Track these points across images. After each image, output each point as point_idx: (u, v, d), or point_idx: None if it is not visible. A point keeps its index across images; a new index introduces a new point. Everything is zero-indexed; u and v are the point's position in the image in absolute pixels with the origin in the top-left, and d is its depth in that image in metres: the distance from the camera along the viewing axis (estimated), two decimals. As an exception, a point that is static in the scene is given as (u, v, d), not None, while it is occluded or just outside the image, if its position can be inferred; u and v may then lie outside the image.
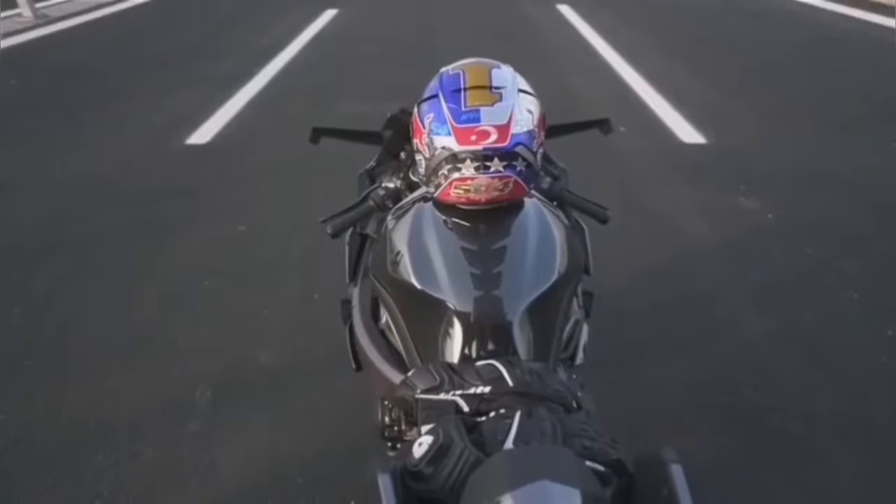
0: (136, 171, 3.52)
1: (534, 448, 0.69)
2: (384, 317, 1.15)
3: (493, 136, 0.95)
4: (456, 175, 0.98)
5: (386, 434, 1.26)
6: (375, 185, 1.35)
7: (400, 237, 1.07)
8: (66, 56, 5.99)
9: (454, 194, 1.02)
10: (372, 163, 1.52)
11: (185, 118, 4.17)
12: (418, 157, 1.07)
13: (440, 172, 1.00)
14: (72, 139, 3.95)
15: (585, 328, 1.21)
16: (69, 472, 1.70)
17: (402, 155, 1.39)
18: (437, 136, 0.99)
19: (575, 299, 1.14)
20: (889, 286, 2.44)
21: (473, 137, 0.95)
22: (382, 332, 1.15)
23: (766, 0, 7.82)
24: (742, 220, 2.96)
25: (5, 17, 7.46)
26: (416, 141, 1.07)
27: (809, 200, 3.10)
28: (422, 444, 0.69)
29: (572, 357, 1.18)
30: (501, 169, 0.97)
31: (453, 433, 0.69)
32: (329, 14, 7.14)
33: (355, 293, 1.32)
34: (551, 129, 1.29)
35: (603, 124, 1.50)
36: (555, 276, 0.99)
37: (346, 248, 1.41)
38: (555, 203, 1.23)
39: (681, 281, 2.49)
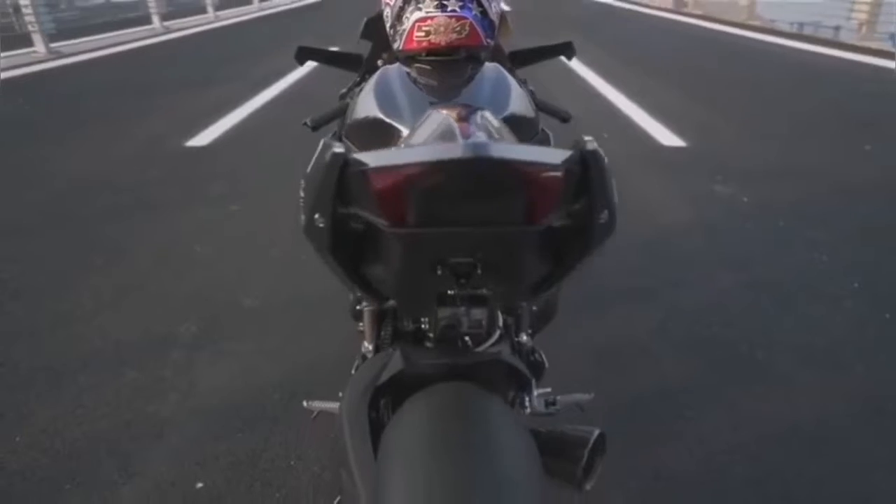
0: (127, 167, 3.66)
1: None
2: None
3: None
4: (418, 14, 1.09)
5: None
6: (351, 84, 1.45)
7: (366, 94, 1.16)
8: (64, 85, 6.33)
9: (416, 38, 1.12)
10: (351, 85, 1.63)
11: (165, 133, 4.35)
12: (386, 10, 1.18)
13: (403, 17, 1.11)
14: (72, 143, 4.12)
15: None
16: (56, 389, 1.75)
17: (380, 63, 1.49)
18: None
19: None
20: (856, 249, 2.52)
21: None
22: None
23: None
24: (719, 203, 3.06)
25: (23, 53, 7.85)
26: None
27: (782, 187, 3.21)
28: None
29: None
30: (457, 9, 1.08)
31: None
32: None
33: None
34: (514, 55, 1.40)
35: (567, 49, 1.61)
36: (508, 111, 1.06)
37: None
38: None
39: (662, 247, 2.58)
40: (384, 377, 0.80)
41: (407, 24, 1.12)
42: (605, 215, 0.60)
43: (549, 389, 1.11)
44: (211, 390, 1.74)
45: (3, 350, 1.92)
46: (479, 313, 0.67)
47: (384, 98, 1.07)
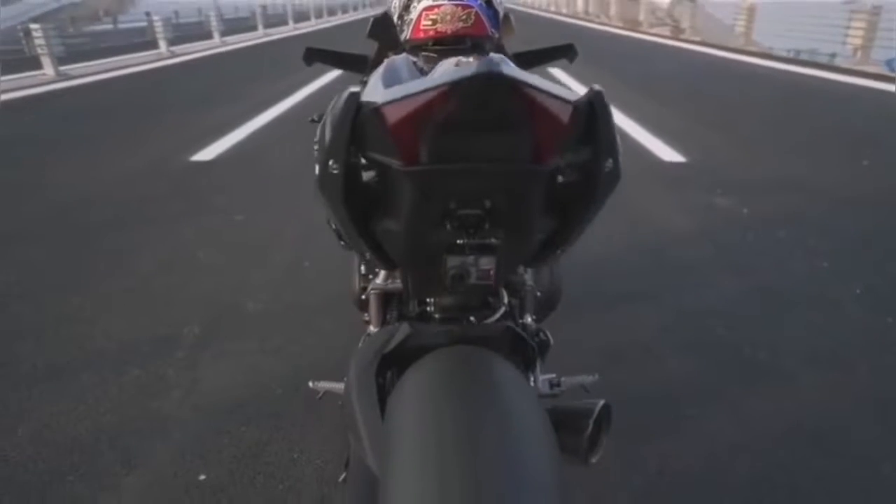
0: (133, 179, 3.70)
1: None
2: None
3: None
4: (425, 2, 1.13)
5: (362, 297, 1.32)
6: (358, 83, 1.49)
7: (373, 83, 1.18)
8: (72, 104, 6.43)
9: (423, 27, 1.15)
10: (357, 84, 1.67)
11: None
12: (394, 1, 1.22)
13: (411, 6, 1.15)
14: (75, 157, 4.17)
15: None
16: (58, 387, 1.75)
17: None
18: None
19: None
20: (857, 258, 2.54)
21: None
22: None
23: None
24: (720, 214, 3.09)
25: (32, 75, 8.02)
26: None
27: (781, 200, 3.24)
28: None
29: None
30: None
31: None
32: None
33: None
34: (518, 57, 1.44)
35: (568, 51, 1.65)
36: None
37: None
38: None
39: (665, 254, 2.60)
40: (391, 345, 0.81)
41: (414, 14, 1.15)
42: (609, 163, 0.62)
43: (553, 375, 1.12)
44: (214, 388, 1.74)
45: (5, 349, 1.93)
46: (487, 262, 0.68)
47: (391, 85, 1.10)
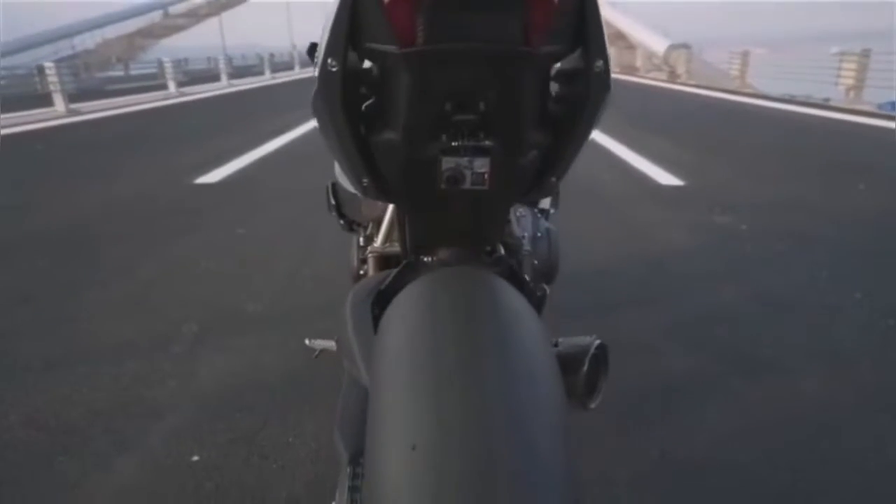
0: (141, 198, 3.75)
1: None
2: None
3: None
4: None
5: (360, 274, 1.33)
6: None
7: None
8: (80, 136, 6.58)
9: None
10: None
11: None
12: None
13: None
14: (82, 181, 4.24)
15: None
16: (54, 378, 1.74)
17: None
18: None
19: None
20: (855, 268, 2.54)
21: None
22: None
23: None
24: (719, 230, 3.11)
25: (43, 112, 8.23)
26: None
27: (779, 218, 3.26)
28: None
29: None
30: None
31: None
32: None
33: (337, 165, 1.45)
34: None
35: None
36: None
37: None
38: None
39: (667, 265, 2.60)
40: (387, 282, 0.82)
41: None
42: (600, 64, 0.64)
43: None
44: (211, 378, 1.72)
45: (1, 345, 1.92)
46: (481, 165, 0.69)
47: None
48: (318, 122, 0.70)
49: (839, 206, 3.48)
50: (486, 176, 0.70)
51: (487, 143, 0.68)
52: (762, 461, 1.37)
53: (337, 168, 1.42)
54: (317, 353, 1.20)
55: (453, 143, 0.67)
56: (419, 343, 0.59)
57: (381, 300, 0.81)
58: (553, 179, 0.79)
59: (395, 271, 0.84)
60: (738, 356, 1.83)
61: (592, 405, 0.84)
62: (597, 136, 6.02)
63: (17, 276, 2.52)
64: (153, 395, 1.64)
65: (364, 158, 0.74)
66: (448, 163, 0.69)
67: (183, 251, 2.79)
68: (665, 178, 4.26)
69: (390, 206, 1.19)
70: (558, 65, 0.69)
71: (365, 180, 0.78)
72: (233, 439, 1.45)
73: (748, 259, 2.66)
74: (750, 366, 1.77)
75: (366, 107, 0.71)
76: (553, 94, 0.72)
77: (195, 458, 1.39)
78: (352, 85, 0.67)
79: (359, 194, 0.95)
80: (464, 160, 0.69)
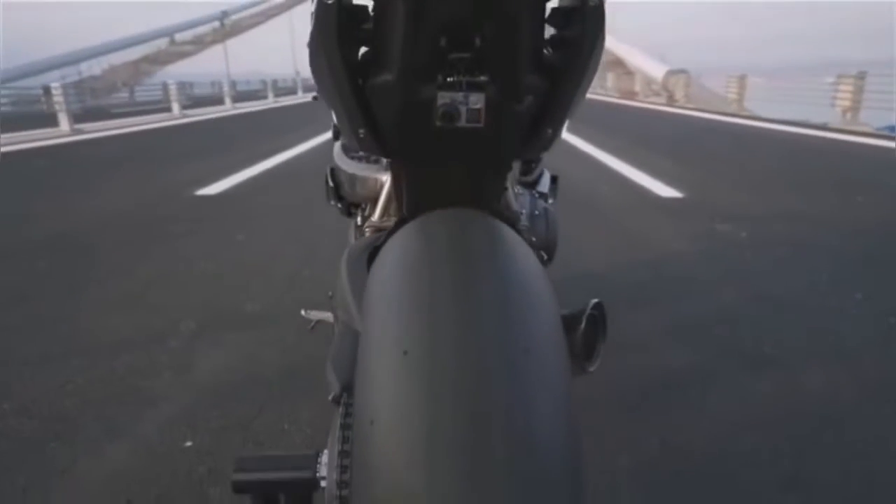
0: (143, 207, 3.77)
1: None
2: None
3: None
4: None
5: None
6: None
7: None
8: (84, 153, 6.62)
9: None
10: None
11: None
12: None
13: None
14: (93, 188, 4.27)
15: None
16: (49, 370, 1.72)
17: None
18: None
19: None
20: (854, 271, 2.53)
21: None
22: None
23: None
24: (719, 238, 3.11)
25: (48, 131, 8.33)
26: None
27: (778, 227, 3.27)
28: None
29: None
30: None
31: None
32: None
33: (336, 148, 1.46)
34: None
35: None
36: None
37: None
38: None
39: (669, 270, 2.60)
40: (383, 238, 0.81)
41: None
42: None
43: None
44: (207, 370, 1.71)
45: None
46: (476, 101, 0.69)
47: None
48: (315, 69, 0.70)
49: (839, 216, 3.49)
50: (481, 112, 0.71)
51: (483, 78, 0.68)
52: (767, 450, 1.35)
53: (335, 149, 1.43)
54: (312, 324, 1.19)
55: (449, 79, 0.68)
56: (413, 269, 0.58)
57: (377, 255, 0.81)
58: (549, 132, 0.80)
59: (390, 230, 0.84)
60: (739, 354, 1.82)
61: (591, 368, 0.82)
62: (600, 155, 6.08)
63: (16, 277, 2.52)
64: (149, 385, 1.62)
65: (361, 109, 0.74)
66: (443, 97, 0.69)
67: (182, 254, 2.79)
68: (665, 191, 4.29)
69: (386, 184, 1.19)
70: (555, 4, 0.70)
71: (361, 131, 0.78)
72: (227, 426, 1.43)
73: (748, 263, 2.66)
74: (752, 362, 1.76)
75: (362, 56, 0.72)
76: (548, 38, 0.72)
77: (188, 443, 1.37)
78: (347, 25, 0.68)
79: (355, 161, 0.95)
80: (459, 95, 0.69)
